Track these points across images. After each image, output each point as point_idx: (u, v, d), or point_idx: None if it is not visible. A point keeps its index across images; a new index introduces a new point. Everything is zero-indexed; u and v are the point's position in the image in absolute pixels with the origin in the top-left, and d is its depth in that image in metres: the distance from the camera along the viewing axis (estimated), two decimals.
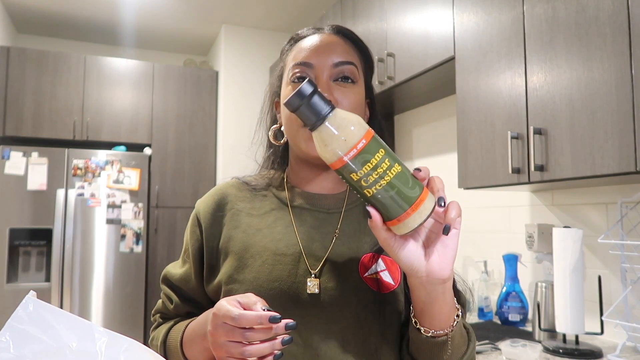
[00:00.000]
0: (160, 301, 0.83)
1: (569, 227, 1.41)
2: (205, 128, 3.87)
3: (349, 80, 0.73)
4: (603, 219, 1.60)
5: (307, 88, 0.49)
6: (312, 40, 0.75)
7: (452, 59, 1.78)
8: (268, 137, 0.82)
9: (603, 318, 1.38)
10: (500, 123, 1.55)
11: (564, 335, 1.44)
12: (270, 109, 0.83)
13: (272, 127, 0.80)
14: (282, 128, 0.77)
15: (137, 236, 3.46)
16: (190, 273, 0.78)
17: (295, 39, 0.79)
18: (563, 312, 1.38)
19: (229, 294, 0.68)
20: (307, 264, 0.70)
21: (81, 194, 3.34)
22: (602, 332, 1.39)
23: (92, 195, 3.37)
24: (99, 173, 3.40)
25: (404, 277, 0.72)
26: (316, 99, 0.49)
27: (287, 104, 0.50)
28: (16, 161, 3.21)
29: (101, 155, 3.42)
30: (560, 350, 1.39)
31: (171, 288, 0.81)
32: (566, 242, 1.39)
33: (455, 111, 1.78)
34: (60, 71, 3.51)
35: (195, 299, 0.79)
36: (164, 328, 0.78)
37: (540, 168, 1.38)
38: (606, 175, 1.20)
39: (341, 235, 0.73)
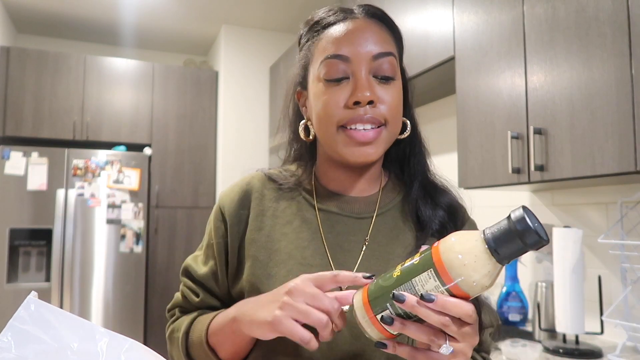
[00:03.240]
0: (178, 294, 0.77)
1: (569, 227, 1.41)
2: (205, 128, 3.87)
3: (390, 79, 0.66)
4: (603, 219, 1.60)
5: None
6: (344, 28, 0.67)
7: (452, 59, 1.78)
8: (293, 132, 0.76)
9: (603, 318, 1.38)
10: (500, 123, 1.56)
11: (564, 335, 1.44)
12: (292, 102, 0.77)
13: (302, 122, 0.73)
14: (310, 124, 0.71)
15: (137, 236, 3.46)
16: (216, 270, 0.73)
17: (323, 25, 0.70)
18: (563, 312, 1.38)
19: None
20: None
21: (81, 194, 3.34)
22: (602, 332, 1.39)
23: (92, 195, 3.37)
24: (99, 173, 3.39)
25: None
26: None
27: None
28: (16, 161, 3.21)
29: (101, 155, 3.42)
30: (560, 350, 1.39)
31: (194, 282, 0.75)
32: (566, 242, 1.39)
33: (455, 111, 1.78)
34: (60, 71, 3.51)
35: (219, 295, 0.73)
36: (186, 319, 0.72)
37: (540, 168, 1.38)
38: (606, 175, 1.20)
39: (371, 243, 0.68)
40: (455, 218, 0.72)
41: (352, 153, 0.65)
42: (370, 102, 0.64)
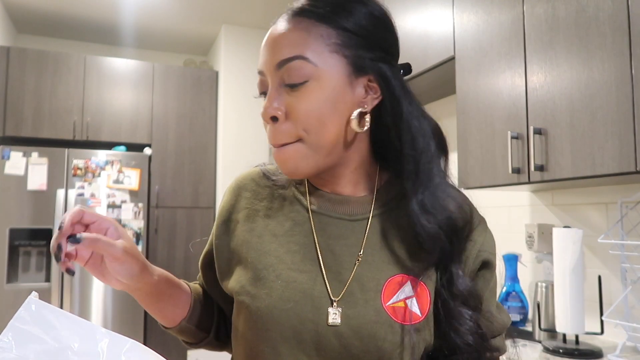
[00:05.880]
0: None
1: (569, 227, 1.41)
2: (205, 128, 3.87)
3: (297, 85, 0.59)
4: (603, 219, 1.60)
5: None
6: (265, 38, 0.65)
7: (452, 59, 1.78)
8: None
9: (603, 318, 1.38)
10: (500, 123, 1.56)
11: (564, 335, 1.44)
12: None
13: None
14: None
15: (137, 236, 3.46)
16: (204, 262, 0.76)
17: None
18: (563, 312, 1.38)
19: (241, 305, 0.63)
20: (327, 286, 0.61)
21: (81, 194, 3.34)
22: (602, 332, 1.39)
23: (92, 195, 3.37)
24: (99, 173, 3.39)
25: (434, 306, 0.62)
26: None
27: None
28: (16, 161, 3.21)
29: (101, 155, 3.42)
30: (560, 350, 1.39)
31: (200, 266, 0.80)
32: (566, 242, 1.39)
33: (455, 111, 1.78)
34: (60, 71, 3.51)
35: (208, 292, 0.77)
36: None
37: (540, 168, 1.38)
38: (606, 175, 1.20)
39: (367, 249, 0.63)
40: (458, 236, 0.64)
41: (282, 171, 0.64)
42: (275, 119, 0.60)
